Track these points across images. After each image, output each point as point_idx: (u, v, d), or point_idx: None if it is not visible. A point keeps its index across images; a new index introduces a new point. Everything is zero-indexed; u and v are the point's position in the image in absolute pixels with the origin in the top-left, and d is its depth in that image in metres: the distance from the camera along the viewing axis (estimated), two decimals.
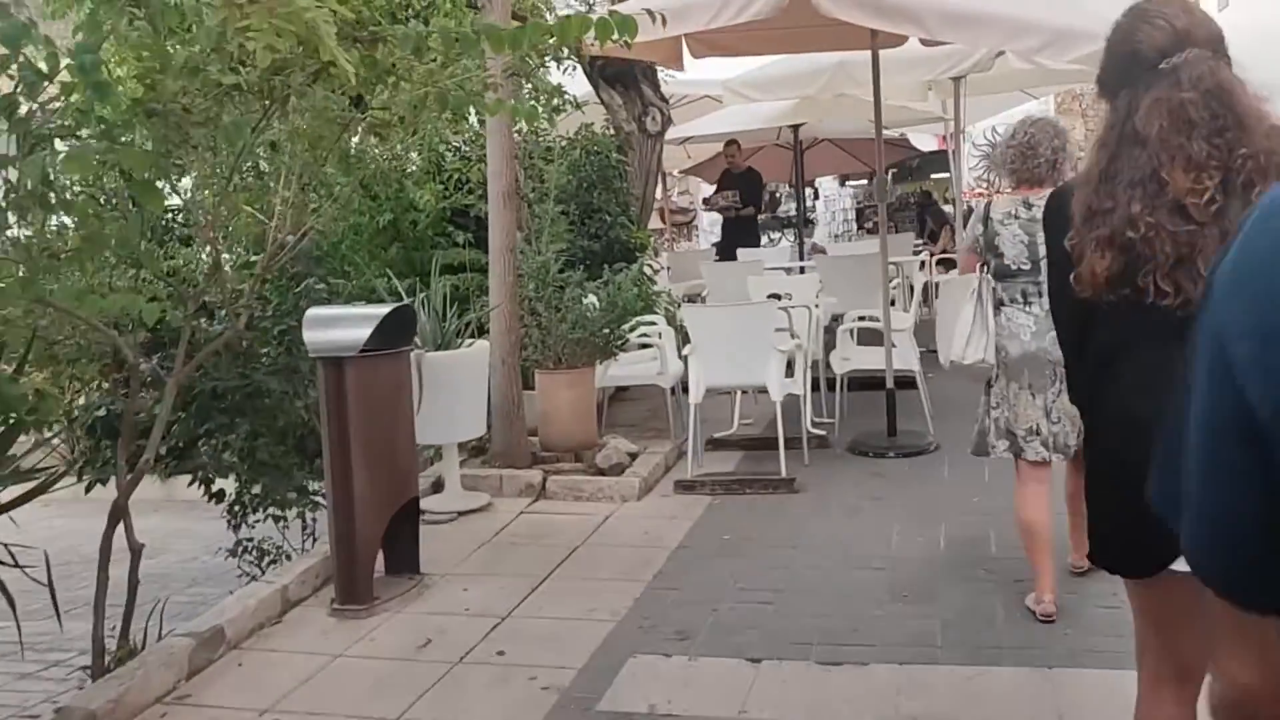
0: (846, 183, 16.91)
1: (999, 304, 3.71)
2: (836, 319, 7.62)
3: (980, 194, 12.18)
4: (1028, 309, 3.66)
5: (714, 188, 12.21)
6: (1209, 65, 1.86)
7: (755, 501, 5.37)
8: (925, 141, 14.80)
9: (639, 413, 7.29)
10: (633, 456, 5.93)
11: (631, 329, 6.11)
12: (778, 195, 17.33)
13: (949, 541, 4.58)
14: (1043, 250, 3.50)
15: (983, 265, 3.73)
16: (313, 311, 4.35)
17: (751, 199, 11.43)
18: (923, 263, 10.52)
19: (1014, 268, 3.67)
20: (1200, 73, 1.84)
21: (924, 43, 7.04)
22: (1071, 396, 2.20)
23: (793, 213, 16.70)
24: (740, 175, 11.44)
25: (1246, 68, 1.95)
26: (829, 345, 7.36)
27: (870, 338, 7.00)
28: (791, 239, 15.97)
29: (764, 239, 16.54)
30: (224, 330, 4.50)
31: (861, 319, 6.83)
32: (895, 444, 6.11)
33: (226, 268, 4.75)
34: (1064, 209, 1.99)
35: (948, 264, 11.29)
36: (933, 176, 17.02)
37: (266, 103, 3.71)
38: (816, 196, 16.93)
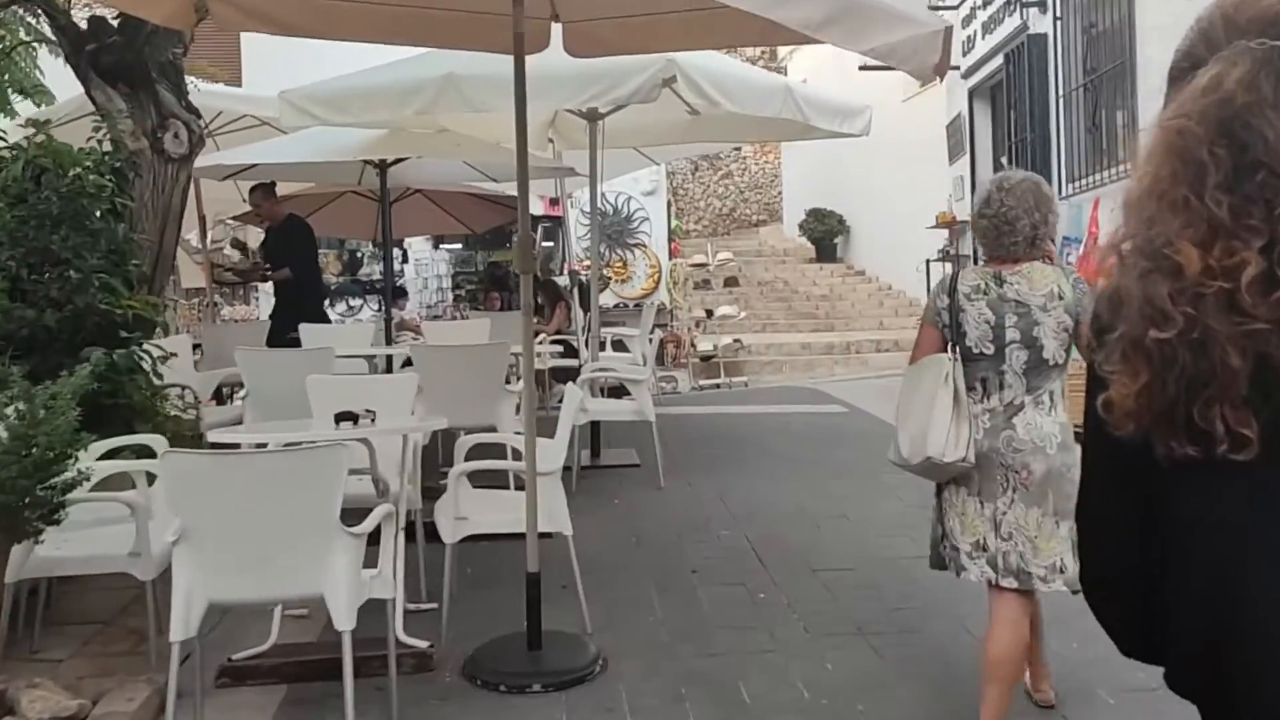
0: (440, 245, 14.60)
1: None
2: (437, 435, 5.27)
3: (588, 266, 10.24)
4: (985, 401, 3.14)
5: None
6: (1242, 69, 1.02)
7: None
8: (531, 203, 12.88)
9: (109, 602, 4.36)
10: None
11: (68, 488, 3.27)
12: (359, 255, 14.67)
13: None
14: (1010, 335, 3.09)
15: (950, 345, 3.17)
16: None
17: (286, 259, 8.44)
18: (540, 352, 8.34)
19: (976, 351, 3.14)
20: (1215, 83, 1.03)
21: (570, 50, 4.98)
22: (1098, 613, 1.21)
23: (375, 276, 14.00)
24: (279, 231, 8.52)
25: None
26: (429, 482, 4.94)
27: (490, 474, 4.67)
28: (376, 309, 13.30)
29: (342, 305, 13.77)
30: None
31: (480, 446, 4.48)
32: (540, 666, 3.76)
33: None
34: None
35: (568, 349, 9.30)
36: (509, 245, 14.91)
37: None
38: (405, 260, 14.47)
